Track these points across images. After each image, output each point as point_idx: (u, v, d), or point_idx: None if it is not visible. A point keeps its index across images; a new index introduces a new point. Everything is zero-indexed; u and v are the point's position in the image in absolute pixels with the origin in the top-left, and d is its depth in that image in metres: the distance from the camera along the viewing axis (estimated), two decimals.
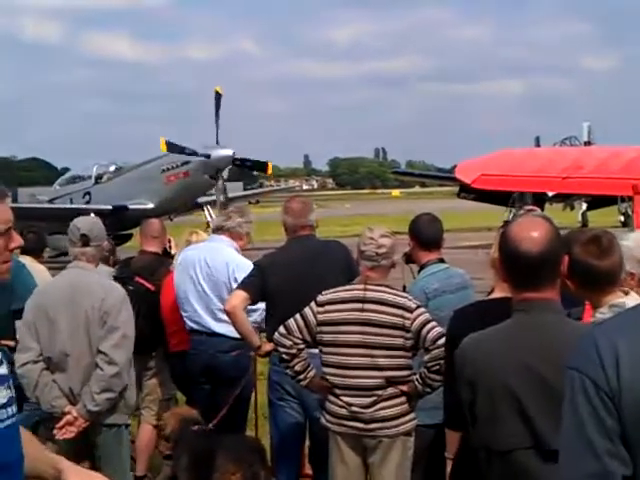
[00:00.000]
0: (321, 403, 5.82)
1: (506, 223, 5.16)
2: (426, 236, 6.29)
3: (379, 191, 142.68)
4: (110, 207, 27.91)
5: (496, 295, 4.60)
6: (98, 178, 30.79)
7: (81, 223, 6.16)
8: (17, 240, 2.82)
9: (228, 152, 29.40)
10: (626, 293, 4.18)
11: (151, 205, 28.90)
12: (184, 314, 7.48)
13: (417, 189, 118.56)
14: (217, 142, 29.32)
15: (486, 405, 3.47)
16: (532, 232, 3.44)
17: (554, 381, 3.29)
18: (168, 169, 29.36)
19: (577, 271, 4.04)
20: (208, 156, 28.66)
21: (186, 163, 29.09)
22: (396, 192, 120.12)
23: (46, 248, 9.51)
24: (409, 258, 6.43)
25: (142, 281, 7.75)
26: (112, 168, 31.36)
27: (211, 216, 27.27)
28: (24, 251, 9.16)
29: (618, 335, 2.09)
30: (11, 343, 6.51)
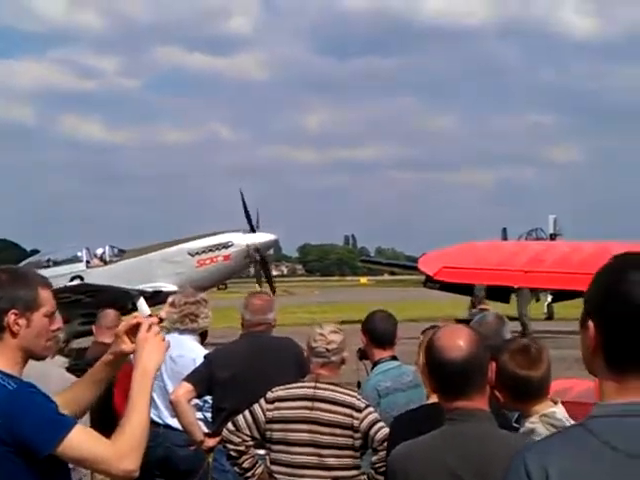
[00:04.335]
0: None
1: (429, 328, 5.14)
2: (380, 333, 6.29)
3: (348, 278, 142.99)
4: (150, 290, 27.03)
5: (435, 400, 4.57)
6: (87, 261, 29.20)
7: None
8: (59, 322, 3.49)
9: (273, 237, 29.46)
10: (555, 402, 4.16)
11: (175, 288, 28.13)
12: None
13: (386, 277, 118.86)
14: (257, 226, 29.00)
15: None
16: (456, 340, 3.43)
17: None
18: (201, 252, 28.54)
19: (505, 382, 4.02)
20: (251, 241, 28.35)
21: (227, 246, 28.47)
22: (364, 280, 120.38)
23: None
24: (363, 354, 6.41)
25: None
26: (100, 251, 29.94)
27: None
28: None
29: (548, 457, 2.10)
30: None
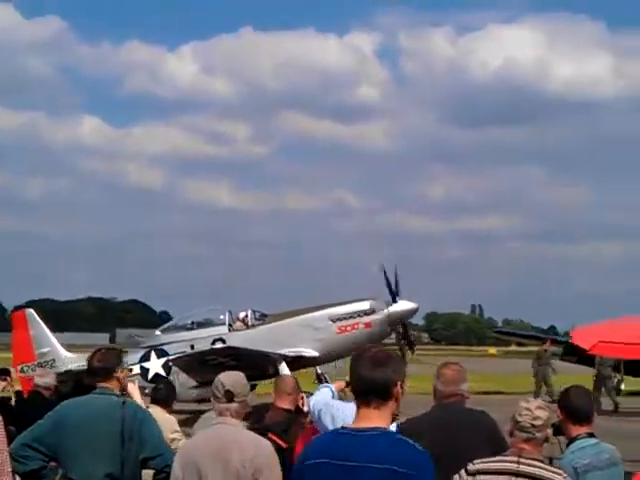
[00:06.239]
0: None
1: None
2: (577, 409, 6.19)
3: (475, 348, 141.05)
4: (292, 354, 26.65)
5: None
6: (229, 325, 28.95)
7: (226, 379, 6.19)
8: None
9: (414, 305, 29.24)
10: None
11: (315, 354, 27.62)
12: None
13: (513, 347, 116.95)
14: (397, 293, 28.70)
15: None
16: None
17: None
18: (343, 318, 28.24)
19: None
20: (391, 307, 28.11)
21: (368, 313, 28.18)
22: (493, 350, 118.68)
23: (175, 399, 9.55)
24: (558, 430, 6.31)
25: (275, 438, 7.69)
26: (243, 314, 29.68)
27: None
28: (154, 400, 9.27)
29: None
30: None
